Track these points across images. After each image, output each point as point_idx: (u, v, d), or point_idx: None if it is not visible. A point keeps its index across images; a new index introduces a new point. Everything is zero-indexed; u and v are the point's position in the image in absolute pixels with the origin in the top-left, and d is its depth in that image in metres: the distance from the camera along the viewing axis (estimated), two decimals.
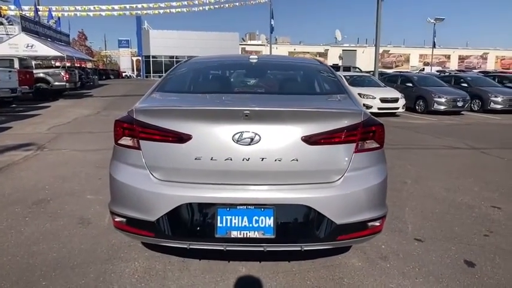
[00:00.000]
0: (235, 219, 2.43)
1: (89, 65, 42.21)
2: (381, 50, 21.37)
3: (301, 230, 2.49)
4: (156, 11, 40.77)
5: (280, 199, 2.43)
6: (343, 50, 62.32)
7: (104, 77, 48.21)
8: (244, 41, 64.06)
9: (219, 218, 2.42)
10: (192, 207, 2.44)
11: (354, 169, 2.51)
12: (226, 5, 41.81)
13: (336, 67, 27.23)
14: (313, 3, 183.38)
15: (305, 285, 2.79)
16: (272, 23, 38.20)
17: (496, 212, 4.32)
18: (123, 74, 68.31)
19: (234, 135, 2.41)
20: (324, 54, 59.89)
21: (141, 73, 59.84)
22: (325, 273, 2.94)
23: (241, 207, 2.43)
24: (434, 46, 44.91)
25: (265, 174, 2.46)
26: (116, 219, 2.66)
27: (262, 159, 2.42)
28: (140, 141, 2.55)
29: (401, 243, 3.48)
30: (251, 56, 3.86)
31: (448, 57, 65.45)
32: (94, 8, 37.04)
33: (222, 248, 2.48)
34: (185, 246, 2.51)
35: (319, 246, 2.58)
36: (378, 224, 2.61)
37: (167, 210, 2.44)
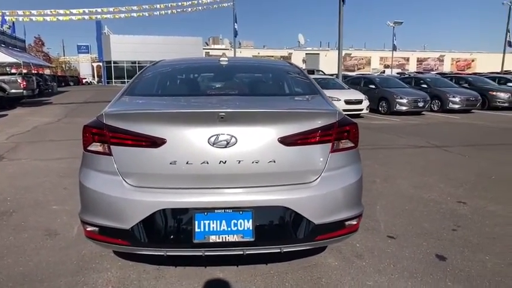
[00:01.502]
0: (213, 223, 2.38)
1: (47, 71, 40.81)
2: (343, 53, 21.77)
3: (280, 231, 2.47)
4: (117, 16, 39.90)
5: (259, 201, 2.41)
6: (306, 54, 63.36)
7: (63, 84, 46.92)
8: (208, 45, 63.93)
9: (196, 223, 2.37)
10: (169, 213, 2.38)
11: (330, 169, 2.53)
12: (189, 9, 41.45)
13: None
14: (276, 8, 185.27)
15: (283, 287, 2.78)
16: (236, 27, 38.23)
17: (461, 207, 4.47)
18: (84, 81, 66.51)
19: (210, 138, 2.36)
20: (288, 58, 60.43)
21: (103, 79, 58.43)
22: (303, 274, 2.94)
23: (219, 211, 2.39)
24: (394, 49, 46.26)
25: (242, 176, 2.43)
26: (87, 229, 2.56)
27: (239, 161, 2.39)
28: (111, 146, 2.46)
29: (375, 241, 3.53)
30: (221, 58, 3.79)
31: (407, 59, 67.71)
32: (51, 12, 35.83)
33: (201, 254, 2.43)
34: (162, 254, 2.44)
35: (298, 247, 2.58)
36: (354, 222, 2.64)
37: (142, 217, 2.36)
